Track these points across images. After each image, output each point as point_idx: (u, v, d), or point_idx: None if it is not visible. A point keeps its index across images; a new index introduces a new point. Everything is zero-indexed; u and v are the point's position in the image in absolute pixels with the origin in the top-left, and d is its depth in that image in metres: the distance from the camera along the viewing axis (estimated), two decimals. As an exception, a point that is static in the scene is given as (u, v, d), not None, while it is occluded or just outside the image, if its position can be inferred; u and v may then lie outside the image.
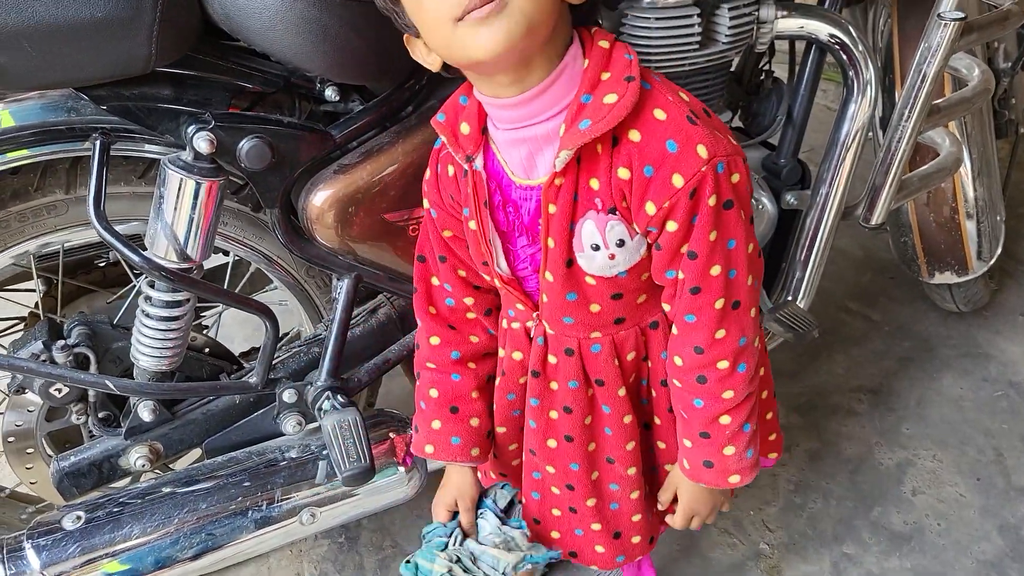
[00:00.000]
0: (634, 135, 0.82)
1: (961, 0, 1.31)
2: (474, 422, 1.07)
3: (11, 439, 1.20)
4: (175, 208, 1.02)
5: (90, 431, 1.20)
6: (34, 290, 1.35)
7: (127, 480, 1.24)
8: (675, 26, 1.24)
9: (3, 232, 1.08)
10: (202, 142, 0.99)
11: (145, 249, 1.04)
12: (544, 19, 0.76)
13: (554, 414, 1.04)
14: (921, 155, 1.54)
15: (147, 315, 1.09)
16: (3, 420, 1.19)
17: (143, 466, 1.17)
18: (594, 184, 0.85)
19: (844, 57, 1.34)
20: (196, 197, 1.02)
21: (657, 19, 1.23)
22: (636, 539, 1.13)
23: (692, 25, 1.24)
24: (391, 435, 1.23)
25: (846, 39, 1.33)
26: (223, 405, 1.20)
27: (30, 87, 0.97)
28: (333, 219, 1.10)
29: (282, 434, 1.21)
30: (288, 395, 1.18)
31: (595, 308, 0.95)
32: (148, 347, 1.10)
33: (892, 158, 1.27)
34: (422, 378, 1.08)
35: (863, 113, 1.37)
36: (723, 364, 0.92)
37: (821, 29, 1.32)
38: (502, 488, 1.14)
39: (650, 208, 0.84)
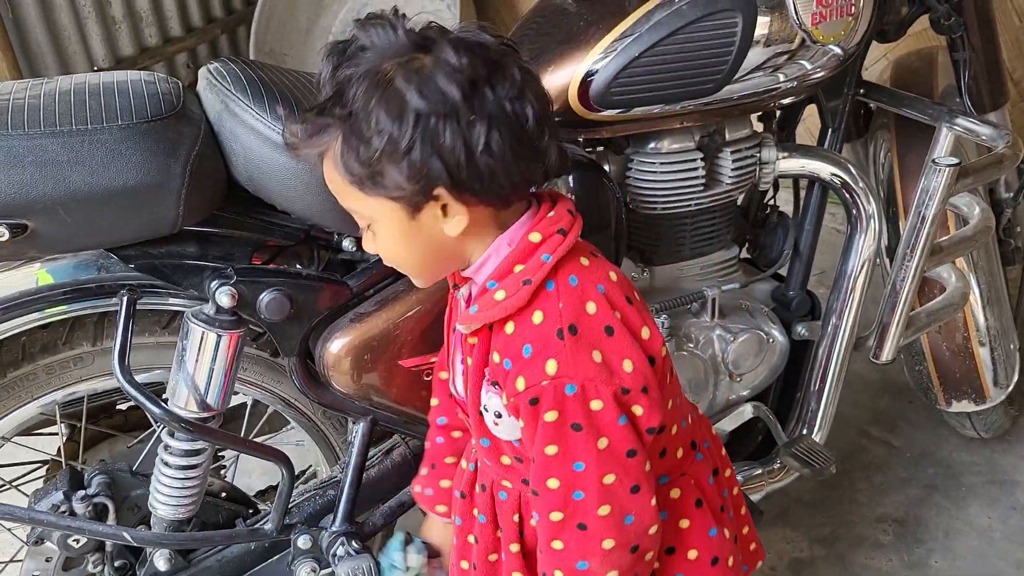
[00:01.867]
0: (509, 327, 0.83)
1: (957, 140, 1.36)
2: (444, 483, 1.12)
3: (28, 590, 1.20)
4: (196, 359, 1.05)
5: (107, 580, 1.19)
6: (56, 434, 1.38)
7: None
8: (680, 170, 1.30)
9: (31, 384, 1.11)
10: (224, 296, 1.03)
11: (166, 399, 1.07)
12: (429, 263, 0.89)
13: (471, 538, 1.04)
14: (929, 287, 1.56)
15: (166, 464, 1.10)
16: (22, 569, 1.19)
17: (159, 616, 1.16)
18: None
19: (846, 194, 1.39)
20: (217, 348, 1.05)
21: (662, 163, 1.29)
22: None
23: (696, 168, 1.30)
24: None
25: (847, 177, 1.38)
26: (238, 552, 1.20)
27: (64, 251, 1.02)
28: (349, 366, 1.12)
29: (295, 581, 1.20)
30: (303, 541, 1.18)
31: (505, 460, 0.95)
32: (166, 496, 1.11)
33: (898, 296, 1.29)
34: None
35: (868, 247, 1.40)
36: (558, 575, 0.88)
37: (822, 169, 1.37)
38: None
39: (504, 398, 0.85)
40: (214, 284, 1.04)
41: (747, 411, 1.44)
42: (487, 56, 0.79)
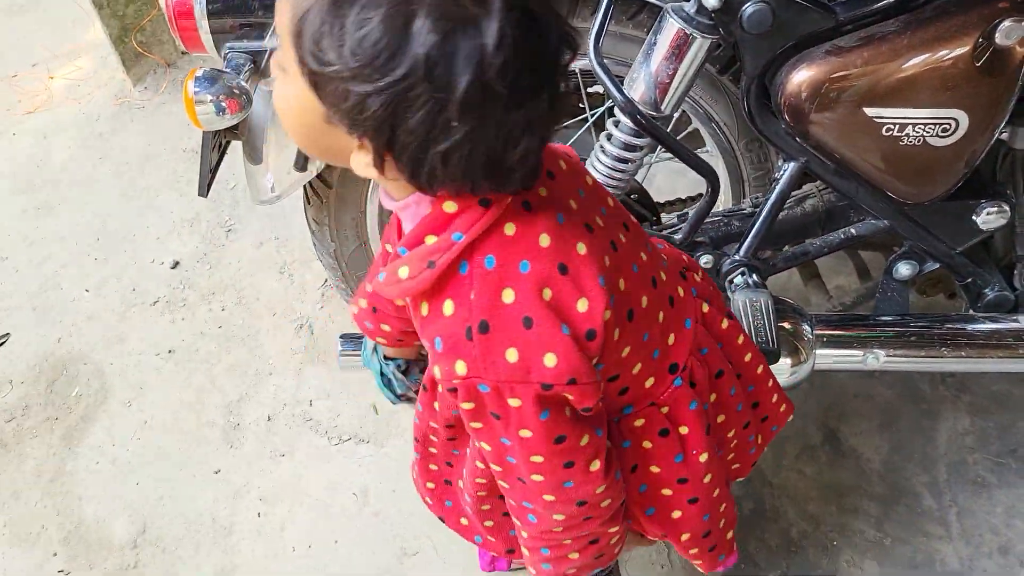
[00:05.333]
0: (423, 308, 0.73)
1: None
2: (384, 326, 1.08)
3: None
4: (664, 56, 1.05)
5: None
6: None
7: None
8: None
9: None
10: (713, -3, 1.00)
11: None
12: (319, 154, 0.73)
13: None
14: None
15: (604, 151, 1.15)
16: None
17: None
18: None
19: None
20: (688, 50, 1.04)
21: None
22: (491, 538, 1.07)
23: None
24: (786, 324, 1.23)
25: None
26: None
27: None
28: (810, 100, 1.06)
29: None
30: (705, 260, 1.21)
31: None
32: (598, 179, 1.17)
33: None
34: None
35: None
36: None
37: None
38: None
39: None
40: (704, -19, 1.01)
41: None
42: (535, 63, 0.61)
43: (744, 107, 1.13)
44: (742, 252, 1.19)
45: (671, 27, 1.03)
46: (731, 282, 1.19)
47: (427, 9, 0.58)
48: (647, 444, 0.89)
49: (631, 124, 1.10)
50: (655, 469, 0.90)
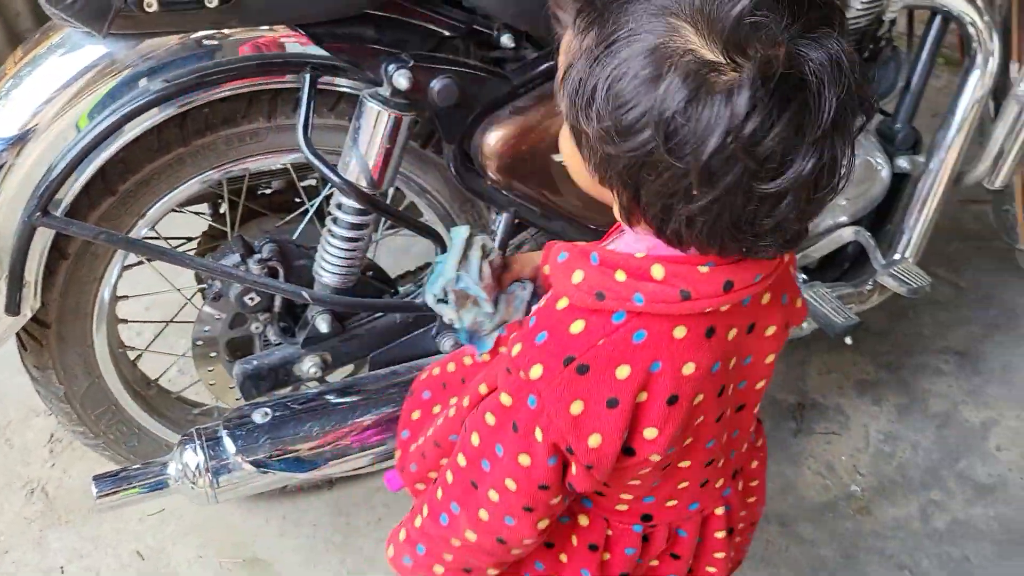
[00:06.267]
0: (563, 303, 0.73)
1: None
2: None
3: (199, 343, 1.33)
4: (369, 138, 1.13)
5: (266, 340, 1.32)
6: (201, 213, 1.48)
7: (290, 389, 1.37)
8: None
9: (211, 154, 1.19)
10: (402, 79, 1.10)
11: (338, 175, 1.15)
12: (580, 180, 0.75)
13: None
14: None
15: (333, 235, 1.20)
16: (194, 328, 1.32)
17: (314, 373, 1.29)
18: None
19: (971, 30, 1.42)
20: (389, 129, 1.13)
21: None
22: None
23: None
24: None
25: (974, 12, 1.41)
26: (386, 323, 1.32)
27: (263, 22, 1.08)
28: (504, 156, 1.20)
29: (439, 352, 1.33)
30: (449, 316, 1.29)
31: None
32: (332, 264, 1.22)
33: (1020, 126, 1.34)
34: None
35: (985, 84, 1.45)
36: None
37: (952, 2, 1.39)
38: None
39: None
40: (392, 67, 1.11)
41: (846, 234, 1.53)
42: (794, 132, 0.58)
43: (451, 172, 1.24)
44: (479, 302, 1.29)
45: (371, 111, 1.12)
46: (476, 331, 1.28)
47: (678, 73, 0.57)
48: (574, 540, 0.88)
49: (354, 204, 1.17)
50: (563, 558, 0.89)
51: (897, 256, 1.55)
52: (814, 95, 0.57)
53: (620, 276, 0.69)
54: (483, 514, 0.79)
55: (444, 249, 1.23)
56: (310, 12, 1.06)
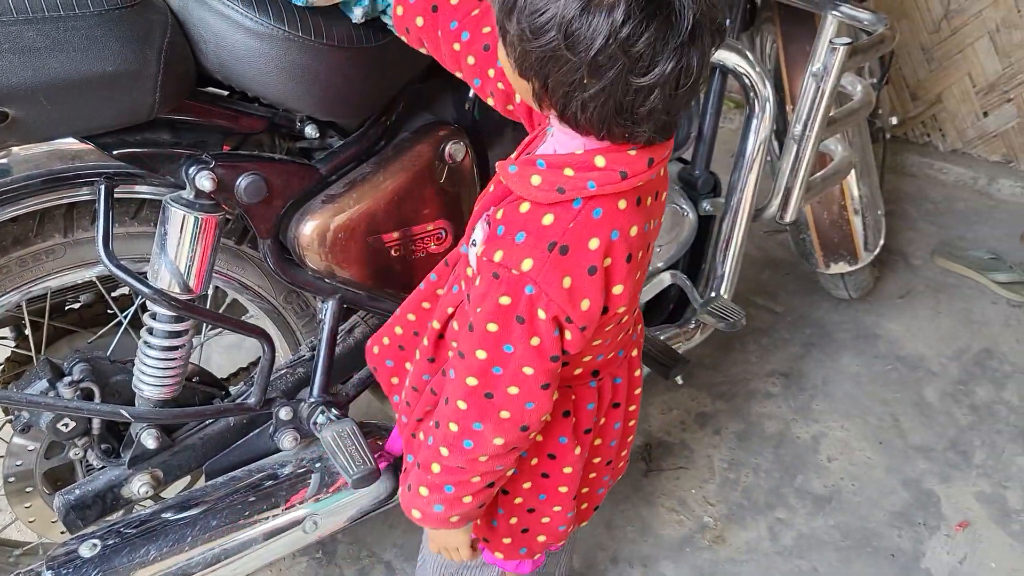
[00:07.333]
0: (524, 206, 0.87)
1: (840, 26, 1.54)
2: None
3: (11, 479, 1.23)
4: (178, 243, 1.10)
5: (88, 465, 1.24)
6: (6, 337, 1.38)
7: (122, 512, 1.29)
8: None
9: (4, 277, 1.12)
10: (205, 181, 1.08)
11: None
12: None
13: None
14: (820, 161, 1.77)
15: (150, 346, 1.15)
16: (3, 463, 1.22)
17: (145, 493, 1.22)
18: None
19: (747, 81, 1.54)
20: (198, 231, 1.10)
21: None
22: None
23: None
24: (379, 441, 1.33)
25: (747, 64, 1.53)
26: (219, 429, 1.27)
27: (44, 138, 1.03)
28: (322, 245, 1.19)
29: (278, 451, 1.29)
30: (284, 413, 1.26)
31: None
32: (151, 376, 1.16)
33: (800, 164, 1.47)
34: None
35: (765, 128, 1.57)
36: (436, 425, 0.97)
37: (728, 58, 1.51)
38: None
39: (480, 246, 0.91)
40: (193, 169, 1.08)
41: (665, 279, 1.61)
42: (661, 40, 0.74)
43: (269, 265, 1.22)
44: (315, 393, 1.27)
45: (176, 216, 1.09)
46: (315, 423, 1.25)
47: None
48: (546, 417, 0.98)
49: (168, 312, 1.12)
50: (538, 438, 1.01)
51: (713, 294, 1.65)
52: (675, 12, 0.74)
53: (568, 172, 0.84)
54: (504, 414, 0.92)
55: (271, 346, 1.20)
56: (94, 124, 1.02)
